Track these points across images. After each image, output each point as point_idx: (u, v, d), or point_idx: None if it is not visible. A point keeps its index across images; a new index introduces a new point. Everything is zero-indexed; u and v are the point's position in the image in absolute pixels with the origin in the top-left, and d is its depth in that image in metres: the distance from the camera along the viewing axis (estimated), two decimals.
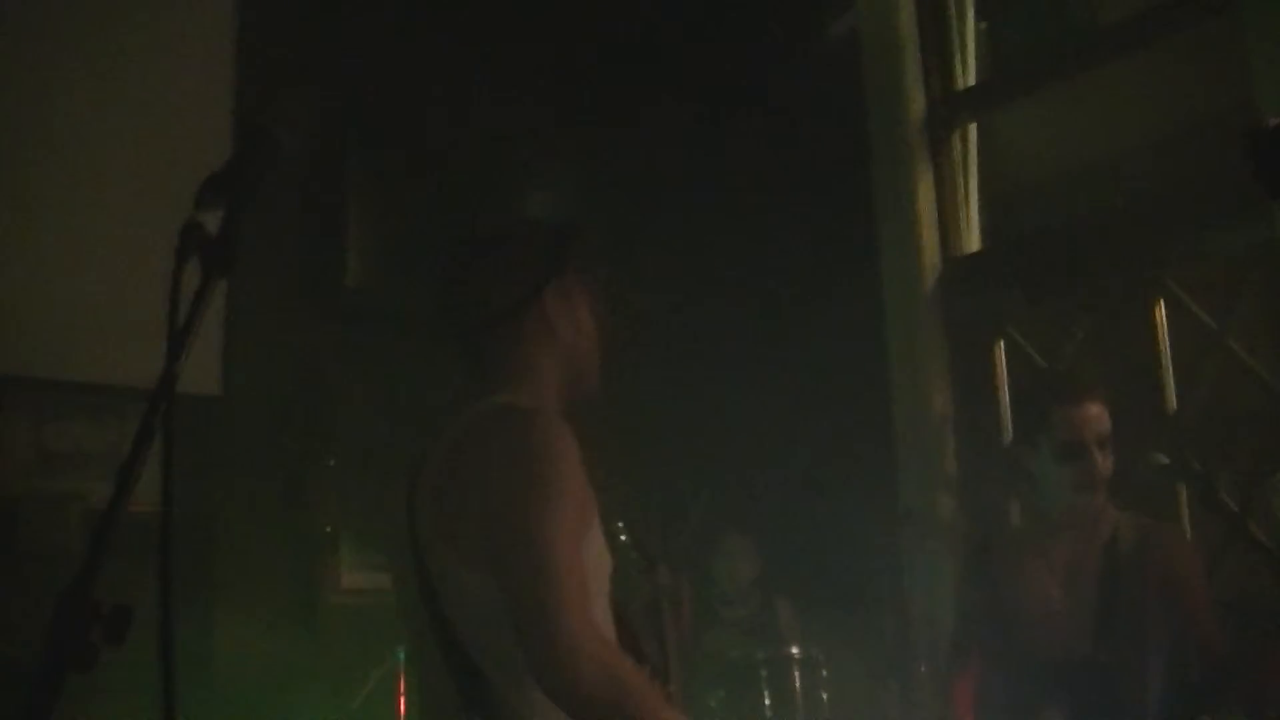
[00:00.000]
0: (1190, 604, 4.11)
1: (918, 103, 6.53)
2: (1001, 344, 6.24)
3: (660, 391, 6.78)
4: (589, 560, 2.70)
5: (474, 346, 3.00)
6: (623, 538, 4.23)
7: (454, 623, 2.73)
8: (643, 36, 7.14)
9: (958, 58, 6.57)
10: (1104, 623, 4.07)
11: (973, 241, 6.45)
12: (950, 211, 6.44)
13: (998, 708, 4.34)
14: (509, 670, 2.66)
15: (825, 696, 5.30)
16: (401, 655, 5.35)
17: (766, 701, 5.26)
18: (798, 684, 5.28)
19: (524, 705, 2.66)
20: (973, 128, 6.55)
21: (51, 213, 5.59)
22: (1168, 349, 5.68)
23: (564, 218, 3.13)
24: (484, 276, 3.01)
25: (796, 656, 5.33)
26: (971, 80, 6.58)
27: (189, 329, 1.81)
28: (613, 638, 2.77)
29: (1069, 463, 4.16)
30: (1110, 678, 4.01)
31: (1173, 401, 5.61)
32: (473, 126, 6.80)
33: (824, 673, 5.32)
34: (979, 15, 6.61)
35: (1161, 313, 5.69)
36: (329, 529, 6.32)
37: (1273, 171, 2.02)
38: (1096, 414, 4.22)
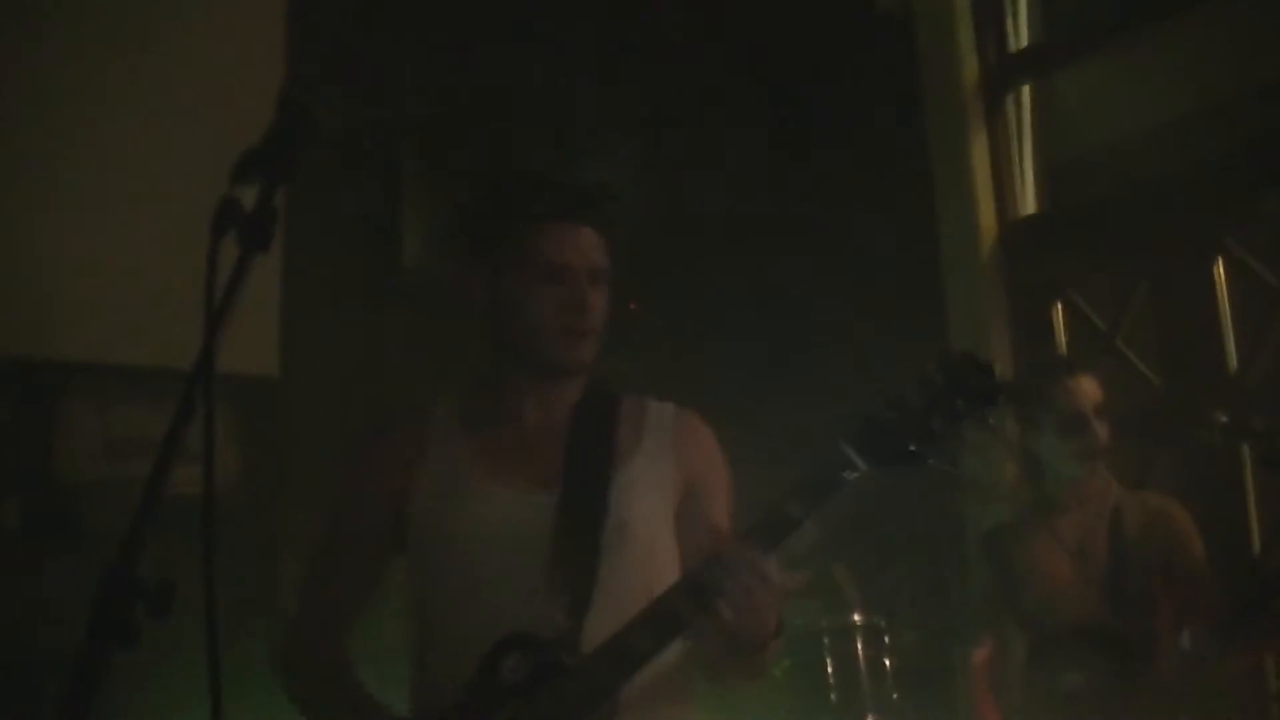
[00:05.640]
0: (1189, 573, 4.35)
1: (971, 65, 6.48)
2: (1060, 307, 6.20)
3: (719, 365, 6.78)
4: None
5: None
6: None
7: None
8: (695, 5, 7.12)
9: (1010, 19, 6.53)
10: (1115, 595, 4.31)
11: (1029, 205, 6.42)
12: (1006, 174, 6.40)
13: (1017, 677, 4.57)
14: None
15: (889, 664, 5.29)
16: None
17: (830, 670, 5.25)
18: (861, 652, 5.26)
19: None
20: (1026, 90, 6.51)
21: (112, 197, 5.62)
22: (1229, 309, 5.62)
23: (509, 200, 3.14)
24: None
25: (859, 624, 5.31)
26: (1024, 42, 6.53)
27: (226, 306, 1.82)
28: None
29: (1071, 433, 4.39)
30: (1125, 643, 4.23)
31: (1234, 362, 5.57)
32: (530, 108, 6.79)
33: (887, 640, 5.30)
34: None
35: (1222, 273, 5.64)
36: None
37: None
38: (1090, 386, 4.45)
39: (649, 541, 2.95)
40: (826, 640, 5.29)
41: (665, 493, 3.02)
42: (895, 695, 5.25)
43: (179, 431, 1.76)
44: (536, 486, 2.93)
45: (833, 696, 5.24)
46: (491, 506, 2.91)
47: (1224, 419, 4.26)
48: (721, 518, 3.02)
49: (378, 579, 3.08)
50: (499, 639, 2.71)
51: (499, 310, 2.99)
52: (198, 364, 1.80)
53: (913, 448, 2.58)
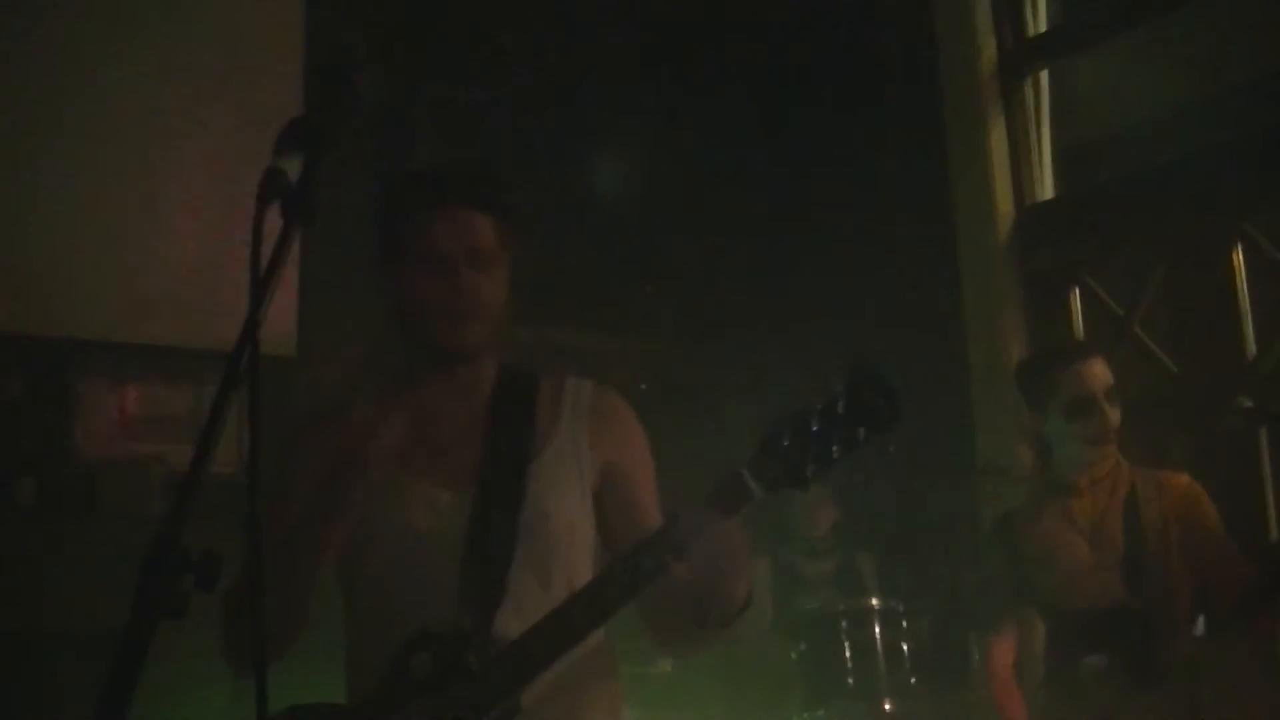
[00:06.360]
0: (1213, 548, 4.33)
1: (989, 50, 6.47)
2: (1077, 292, 6.19)
3: (731, 350, 6.77)
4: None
5: None
6: None
7: None
8: None
9: (1028, 3, 6.52)
10: (1132, 573, 4.30)
11: (1046, 190, 6.41)
12: (1023, 159, 6.39)
13: (1037, 661, 4.56)
14: None
15: (906, 648, 5.29)
16: None
17: (847, 654, 5.25)
18: (878, 636, 5.26)
19: None
20: (1044, 75, 6.49)
21: (126, 175, 5.61)
22: (1246, 294, 5.61)
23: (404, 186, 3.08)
24: None
25: (877, 608, 5.31)
26: (1042, 27, 6.52)
27: (271, 276, 1.80)
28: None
29: (1080, 417, 4.37)
30: (1143, 622, 4.22)
31: (1252, 348, 5.55)
32: (547, 76, 6.78)
33: (904, 624, 5.30)
34: None
35: (1240, 258, 5.63)
36: None
37: None
38: (1100, 369, 4.42)
39: (567, 530, 2.93)
40: (844, 624, 5.29)
41: (582, 477, 2.98)
42: (913, 679, 5.26)
43: (226, 401, 1.75)
44: (453, 481, 2.91)
45: (850, 680, 5.24)
46: (408, 503, 2.89)
47: (1248, 404, 4.26)
48: (647, 497, 3.00)
49: (315, 578, 2.95)
50: (408, 637, 2.70)
51: (395, 301, 2.96)
52: (242, 336, 1.79)
53: (809, 473, 2.56)
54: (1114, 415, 4.39)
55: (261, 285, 1.80)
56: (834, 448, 2.54)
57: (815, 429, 2.55)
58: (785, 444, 2.57)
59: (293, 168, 1.86)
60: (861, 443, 2.55)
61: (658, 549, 2.59)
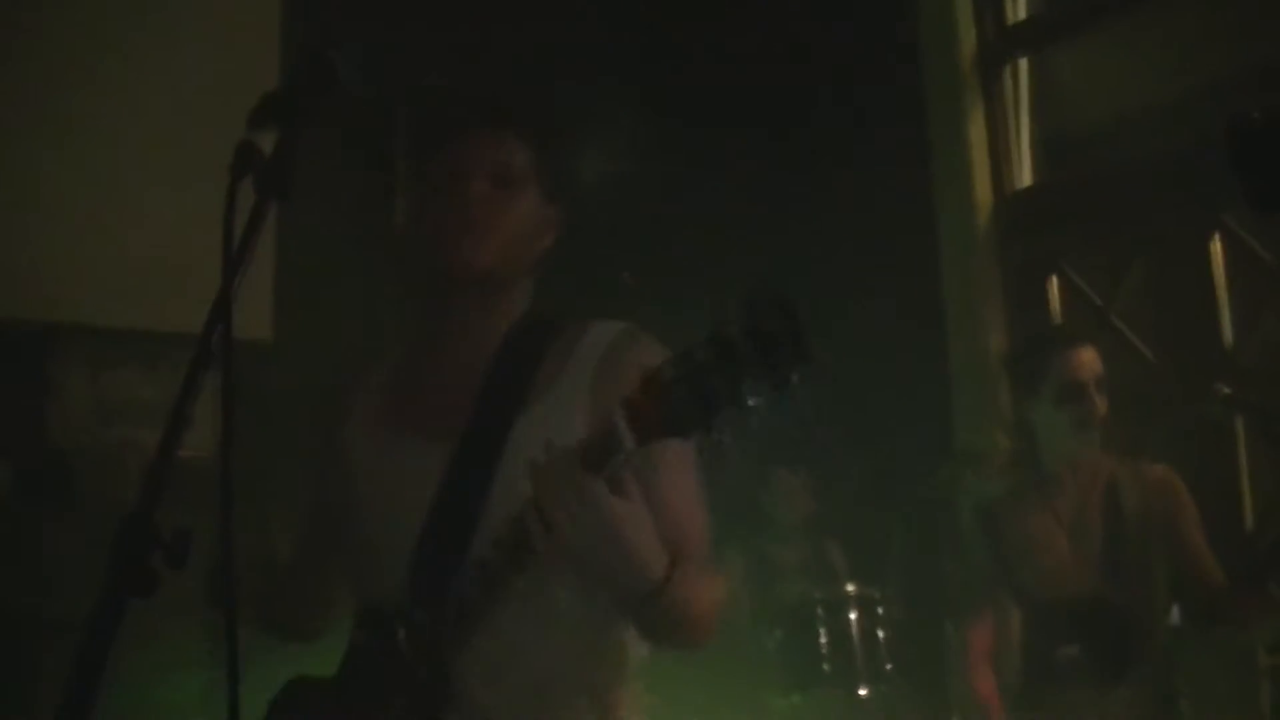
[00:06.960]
0: (1188, 542, 4.37)
1: (969, 38, 6.46)
2: (1056, 281, 6.19)
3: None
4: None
5: None
6: None
7: None
8: None
9: None
10: (1111, 566, 4.34)
11: (1025, 178, 6.41)
12: (1003, 148, 6.39)
13: (1015, 652, 4.65)
14: None
15: (882, 635, 5.29)
16: None
17: (823, 641, 5.25)
18: (854, 623, 5.26)
19: None
20: (1024, 63, 6.49)
21: (101, 158, 5.57)
22: (1225, 285, 5.62)
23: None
24: None
25: (853, 595, 5.31)
26: (1023, 15, 6.51)
27: (244, 251, 1.79)
28: None
29: (1068, 404, 4.39)
30: (1120, 615, 4.26)
31: (1230, 338, 5.56)
32: (525, 64, 6.76)
33: (880, 611, 5.31)
34: None
35: (1219, 249, 5.64)
36: None
37: (1258, 177, 1.88)
38: (1090, 357, 4.45)
39: None
40: (820, 611, 5.29)
41: (577, 433, 2.48)
42: (888, 666, 5.26)
43: (197, 379, 1.73)
44: (438, 434, 2.62)
45: (825, 667, 5.24)
46: (400, 458, 2.66)
47: (1226, 391, 4.27)
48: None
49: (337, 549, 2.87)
50: (359, 614, 2.56)
51: (411, 235, 2.70)
52: (214, 313, 1.78)
53: (697, 415, 2.11)
54: (1102, 404, 4.40)
55: (234, 260, 1.79)
56: (728, 383, 2.07)
57: (701, 360, 2.09)
58: (668, 380, 2.12)
59: (266, 142, 1.85)
60: (763, 374, 2.05)
61: (524, 520, 2.27)
